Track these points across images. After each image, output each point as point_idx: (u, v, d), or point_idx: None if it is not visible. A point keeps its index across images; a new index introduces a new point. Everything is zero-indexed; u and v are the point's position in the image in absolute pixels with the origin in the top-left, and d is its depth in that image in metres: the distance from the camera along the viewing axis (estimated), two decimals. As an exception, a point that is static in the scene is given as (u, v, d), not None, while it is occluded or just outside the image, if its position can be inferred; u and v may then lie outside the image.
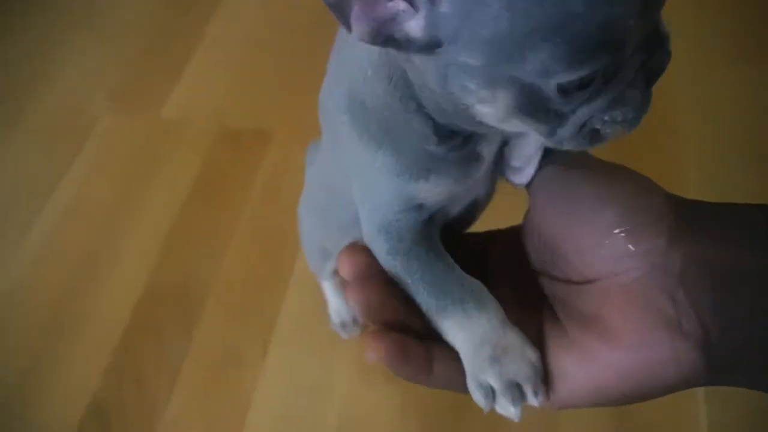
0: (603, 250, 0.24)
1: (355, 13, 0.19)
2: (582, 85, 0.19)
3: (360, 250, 0.27)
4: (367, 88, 0.25)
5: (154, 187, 0.77)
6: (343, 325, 0.61)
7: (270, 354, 0.63)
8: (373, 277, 0.26)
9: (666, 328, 0.22)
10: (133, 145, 0.83)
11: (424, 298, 0.25)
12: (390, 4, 0.19)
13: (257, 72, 0.91)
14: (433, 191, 0.26)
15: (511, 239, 0.29)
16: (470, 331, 0.25)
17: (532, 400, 0.24)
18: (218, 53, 0.94)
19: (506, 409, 0.24)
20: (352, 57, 0.25)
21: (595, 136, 0.21)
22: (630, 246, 0.23)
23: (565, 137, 0.21)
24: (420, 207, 0.26)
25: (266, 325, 0.65)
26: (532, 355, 0.24)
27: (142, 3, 1.02)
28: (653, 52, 0.20)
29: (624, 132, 0.21)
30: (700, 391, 0.58)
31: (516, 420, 0.24)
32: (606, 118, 0.21)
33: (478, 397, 0.25)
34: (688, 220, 0.23)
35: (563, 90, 0.19)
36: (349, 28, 0.19)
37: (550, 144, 0.23)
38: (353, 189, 0.29)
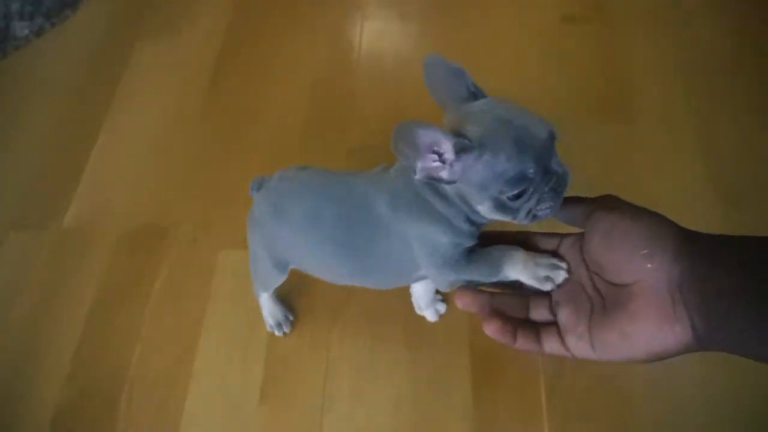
0: (631, 266, 0.39)
1: (418, 168, 0.44)
2: (518, 196, 0.45)
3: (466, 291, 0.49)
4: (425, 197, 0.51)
5: (61, 296, 0.83)
6: (278, 324, 0.77)
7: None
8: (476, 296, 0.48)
9: (668, 317, 0.36)
10: (40, 258, 0.88)
11: (485, 273, 0.50)
12: (434, 164, 0.45)
13: (153, 169, 0.98)
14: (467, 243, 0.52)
15: (576, 246, 0.46)
16: (517, 261, 0.47)
17: (564, 271, 0.46)
18: (114, 155, 1.01)
19: (558, 275, 0.46)
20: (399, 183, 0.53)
21: (535, 217, 0.46)
22: (648, 264, 0.38)
23: (522, 219, 0.46)
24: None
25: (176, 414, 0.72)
26: (552, 258, 0.47)
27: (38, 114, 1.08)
28: (554, 174, 0.45)
29: (548, 215, 0.46)
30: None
31: (563, 278, 0.46)
32: (538, 208, 0.45)
33: (543, 284, 0.46)
34: (689, 247, 0.37)
35: (511, 199, 0.45)
36: (415, 173, 0.45)
37: (518, 223, 0.47)
38: (421, 256, 0.53)
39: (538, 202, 0.45)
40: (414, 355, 0.74)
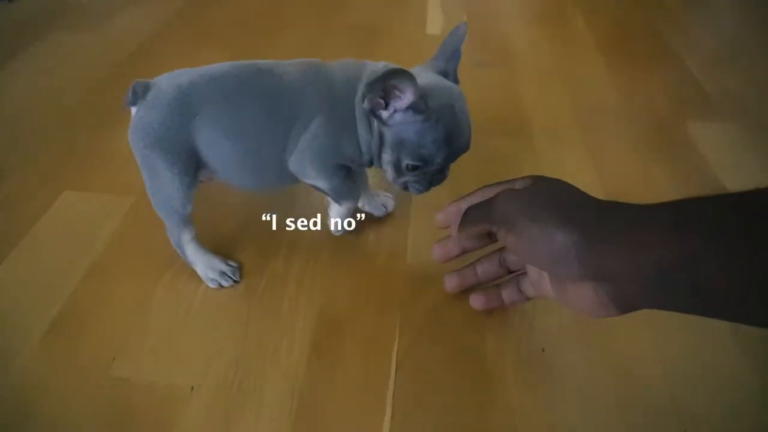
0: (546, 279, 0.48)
1: (368, 101, 0.53)
2: (413, 168, 0.57)
3: (449, 240, 0.59)
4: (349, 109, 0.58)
5: None
6: (222, 274, 0.65)
7: None
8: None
9: (594, 303, 0.42)
10: None
11: (339, 193, 0.63)
12: (384, 113, 0.55)
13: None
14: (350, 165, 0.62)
15: None
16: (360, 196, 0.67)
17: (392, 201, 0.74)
18: None
19: (389, 204, 0.74)
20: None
21: (406, 188, 0.60)
22: (557, 283, 0.46)
23: (397, 183, 0.60)
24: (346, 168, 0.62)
25: None
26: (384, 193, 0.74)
27: None
28: (442, 173, 0.60)
29: (415, 193, 0.60)
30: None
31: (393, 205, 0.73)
32: (414, 185, 0.60)
33: (377, 210, 0.73)
34: (589, 237, 0.40)
35: (407, 168, 0.57)
36: (362, 101, 0.54)
37: (390, 181, 0.61)
38: (304, 156, 0.59)
39: (416, 181, 0.59)
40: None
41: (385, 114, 0.55)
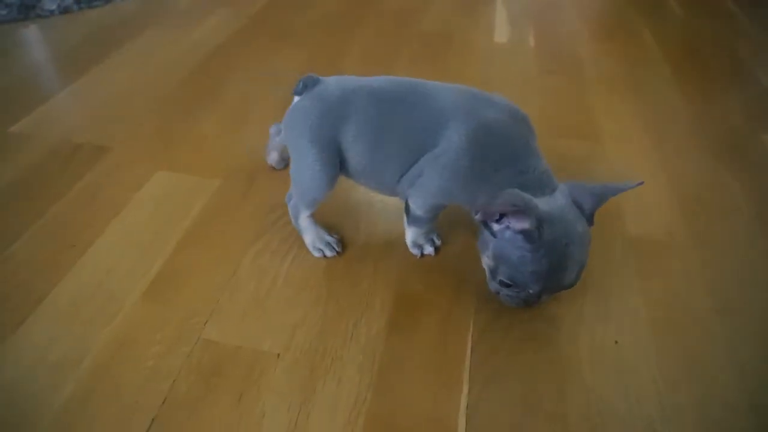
0: None
1: (481, 214, 0.55)
2: (506, 285, 0.56)
3: None
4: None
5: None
6: (328, 244, 0.69)
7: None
8: None
9: None
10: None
11: (420, 221, 0.67)
12: (495, 225, 0.55)
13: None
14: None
15: None
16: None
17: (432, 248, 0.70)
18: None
19: (427, 249, 0.70)
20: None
21: (498, 294, 0.59)
22: None
23: (492, 287, 0.59)
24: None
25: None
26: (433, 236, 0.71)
27: None
28: (537, 299, 0.56)
29: (506, 304, 0.60)
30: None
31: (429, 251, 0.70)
32: (506, 296, 0.58)
33: (413, 250, 0.70)
34: None
35: (501, 282, 0.57)
36: (475, 214, 0.55)
37: (487, 283, 0.60)
38: (421, 183, 0.61)
39: (508, 295, 0.57)
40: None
41: (496, 227, 0.54)
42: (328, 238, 0.70)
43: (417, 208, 0.64)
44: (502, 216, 0.53)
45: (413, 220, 0.67)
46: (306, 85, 0.63)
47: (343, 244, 0.71)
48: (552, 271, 0.52)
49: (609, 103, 1.03)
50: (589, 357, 0.58)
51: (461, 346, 0.59)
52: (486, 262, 0.58)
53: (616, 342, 0.60)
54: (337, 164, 0.63)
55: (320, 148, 0.62)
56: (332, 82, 0.64)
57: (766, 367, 0.58)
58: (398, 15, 1.33)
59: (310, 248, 0.69)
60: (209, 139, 0.86)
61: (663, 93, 1.07)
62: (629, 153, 0.89)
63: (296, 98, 0.65)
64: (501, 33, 1.26)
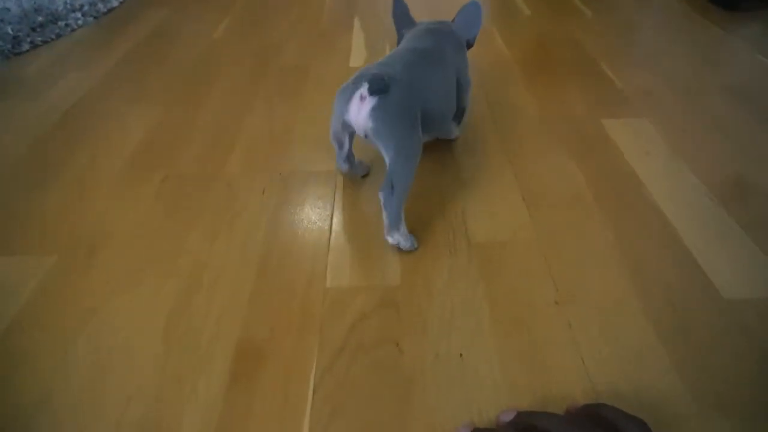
0: None
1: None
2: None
3: None
4: None
5: None
6: (412, 240, 0.73)
7: None
8: None
9: None
10: None
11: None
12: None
13: None
14: None
15: None
16: None
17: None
18: None
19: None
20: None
21: None
22: None
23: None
24: None
25: None
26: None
27: None
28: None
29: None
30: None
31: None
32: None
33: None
34: None
35: None
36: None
37: None
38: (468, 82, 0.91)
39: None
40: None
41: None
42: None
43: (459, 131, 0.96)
44: None
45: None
46: (380, 84, 0.67)
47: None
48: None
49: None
50: (433, 376, 0.58)
51: (303, 389, 0.57)
52: None
53: (461, 355, 0.60)
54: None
55: (417, 126, 0.70)
56: (398, 72, 0.71)
57: (607, 352, 0.60)
58: (259, 55, 1.32)
59: (409, 241, 0.72)
60: (50, 213, 0.81)
61: (511, 92, 1.11)
62: (478, 155, 0.92)
63: (371, 98, 0.67)
64: (356, 58, 1.27)
